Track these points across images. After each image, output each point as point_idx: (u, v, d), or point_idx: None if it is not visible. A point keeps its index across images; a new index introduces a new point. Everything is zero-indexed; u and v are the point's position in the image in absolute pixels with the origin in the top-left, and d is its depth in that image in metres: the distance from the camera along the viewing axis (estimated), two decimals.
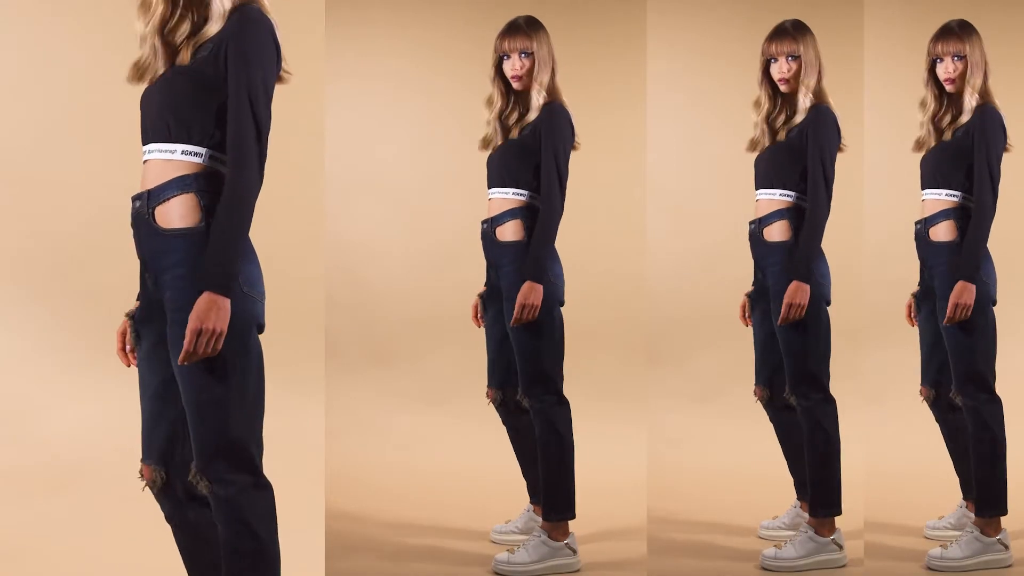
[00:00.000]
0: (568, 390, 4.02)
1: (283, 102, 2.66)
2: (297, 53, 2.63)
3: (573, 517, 3.80)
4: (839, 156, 3.85)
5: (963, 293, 3.64)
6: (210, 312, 2.33)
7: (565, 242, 4.05)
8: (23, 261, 5.03)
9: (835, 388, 4.08)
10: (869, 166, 4.76)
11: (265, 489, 2.48)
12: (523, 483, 4.06)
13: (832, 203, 3.73)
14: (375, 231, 5.47)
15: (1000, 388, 3.81)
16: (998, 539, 3.72)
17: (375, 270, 5.44)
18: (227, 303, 2.35)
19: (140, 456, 2.59)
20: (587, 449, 4.50)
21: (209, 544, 2.58)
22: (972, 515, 3.91)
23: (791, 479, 4.04)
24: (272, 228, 3.06)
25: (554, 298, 3.74)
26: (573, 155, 3.87)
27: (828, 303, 3.76)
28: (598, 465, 4.56)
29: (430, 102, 5.49)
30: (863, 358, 4.70)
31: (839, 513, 3.77)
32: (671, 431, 4.94)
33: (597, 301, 5.35)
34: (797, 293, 3.65)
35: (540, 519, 3.95)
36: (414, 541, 4.05)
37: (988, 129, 3.67)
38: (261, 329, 2.49)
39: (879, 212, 4.80)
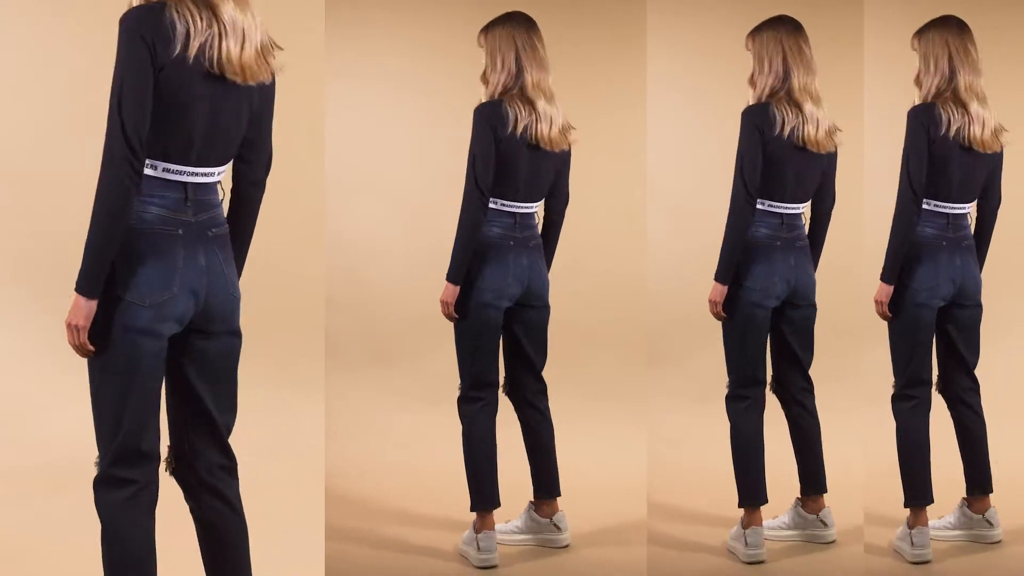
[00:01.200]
0: (568, 390, 4.02)
1: (283, 102, 2.66)
2: (297, 53, 2.63)
3: (494, 507, 3.80)
4: (840, 154, 3.87)
5: (878, 292, 3.77)
6: (72, 307, 2.41)
7: (565, 242, 4.04)
8: (23, 261, 5.02)
9: (835, 388, 4.08)
10: (869, 166, 4.76)
11: (111, 488, 2.50)
12: (524, 483, 4.05)
13: (809, 204, 3.85)
14: (375, 231, 5.46)
15: (988, 386, 3.87)
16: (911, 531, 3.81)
17: (375, 270, 5.44)
18: (89, 304, 2.41)
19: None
20: (587, 449, 4.51)
21: (226, 544, 2.63)
22: (972, 514, 3.93)
23: (791, 479, 4.04)
24: (272, 228, 3.06)
25: (479, 302, 3.76)
26: (574, 154, 3.87)
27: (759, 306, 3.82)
28: (598, 465, 4.56)
29: (430, 102, 5.49)
30: (863, 358, 4.69)
31: (764, 502, 3.85)
32: (671, 431, 4.94)
33: (597, 301, 5.35)
34: (713, 292, 3.79)
35: (541, 519, 3.96)
36: (415, 540, 4.04)
37: (908, 129, 3.67)
38: (147, 333, 2.45)
39: (879, 212, 4.79)
